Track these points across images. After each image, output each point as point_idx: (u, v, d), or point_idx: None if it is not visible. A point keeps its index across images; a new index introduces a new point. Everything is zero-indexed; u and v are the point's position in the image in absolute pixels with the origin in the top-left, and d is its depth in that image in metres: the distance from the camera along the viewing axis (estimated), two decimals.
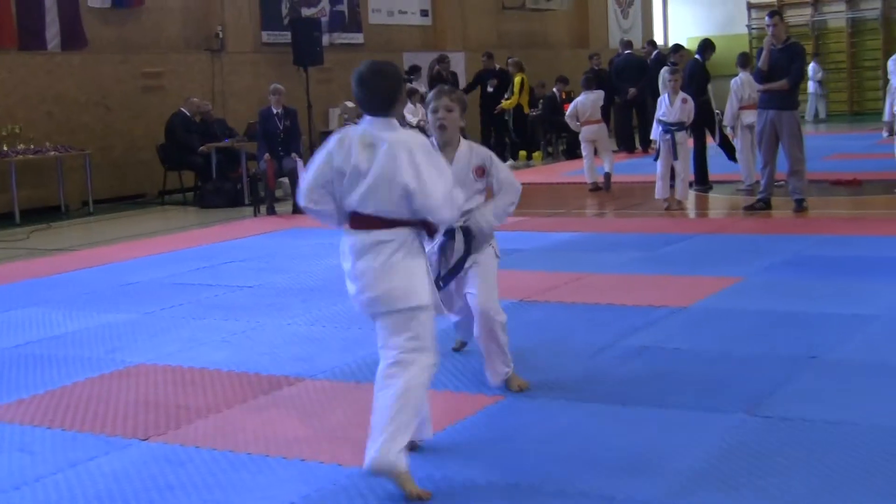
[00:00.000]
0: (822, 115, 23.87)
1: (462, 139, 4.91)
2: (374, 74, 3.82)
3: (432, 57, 18.25)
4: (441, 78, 16.56)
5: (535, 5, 22.93)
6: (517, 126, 18.07)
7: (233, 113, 15.47)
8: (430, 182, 3.72)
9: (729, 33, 24.96)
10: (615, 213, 11.49)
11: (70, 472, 4.22)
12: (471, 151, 4.89)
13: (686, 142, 11.12)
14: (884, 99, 11.91)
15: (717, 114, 13.04)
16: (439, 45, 19.77)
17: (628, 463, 3.97)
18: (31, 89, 13.49)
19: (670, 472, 3.84)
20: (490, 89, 17.76)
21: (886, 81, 10.60)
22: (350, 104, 13.68)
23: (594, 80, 13.97)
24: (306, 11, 17.45)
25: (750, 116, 11.63)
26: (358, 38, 18.64)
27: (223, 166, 13.91)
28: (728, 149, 13.10)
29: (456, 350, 5.64)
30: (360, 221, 3.83)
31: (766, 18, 10.59)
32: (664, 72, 11.81)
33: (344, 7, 18.41)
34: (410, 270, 3.81)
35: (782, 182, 10.61)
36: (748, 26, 25.94)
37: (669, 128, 10.88)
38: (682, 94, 10.92)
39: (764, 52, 10.23)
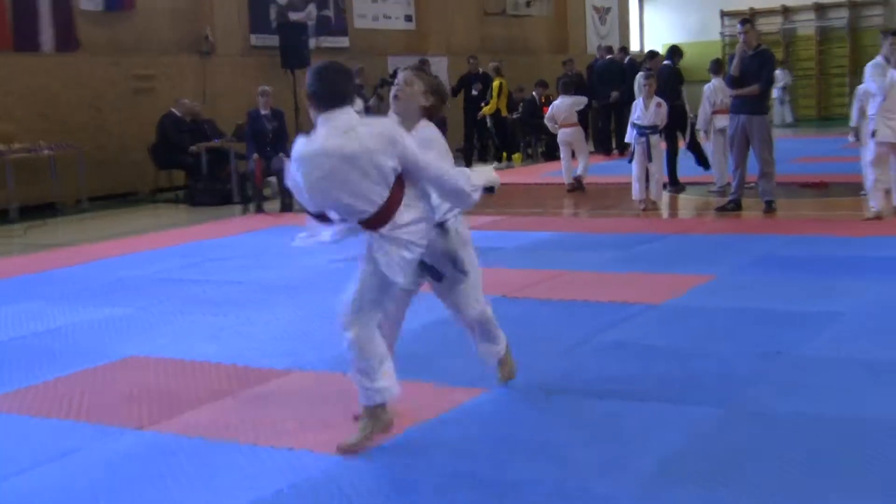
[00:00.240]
0: (788, 119, 23.98)
1: (428, 122, 4.57)
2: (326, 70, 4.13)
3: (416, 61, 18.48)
4: None
5: (515, 11, 23.21)
6: (497, 130, 18.17)
7: (222, 114, 15.54)
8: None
9: (703, 40, 25.34)
10: (592, 213, 11.56)
11: (66, 460, 4.31)
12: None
13: (659, 144, 11.29)
14: (850, 105, 12.15)
15: (691, 117, 13.18)
16: (423, 50, 19.92)
17: (603, 455, 4.02)
18: (25, 90, 13.61)
19: (644, 465, 3.90)
20: (474, 92, 17.95)
21: (853, 87, 10.85)
22: None
23: (571, 84, 14.14)
24: (294, 16, 17.65)
25: (722, 121, 11.70)
26: (343, 41, 18.83)
27: (213, 166, 14.01)
28: (698, 153, 13.29)
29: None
30: None
31: (738, 26, 10.74)
32: (639, 77, 11.99)
33: (330, 12, 18.64)
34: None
35: (753, 184, 10.69)
36: (721, 33, 26.23)
37: (644, 131, 11.01)
38: (656, 99, 11.08)
39: (736, 59, 10.37)
